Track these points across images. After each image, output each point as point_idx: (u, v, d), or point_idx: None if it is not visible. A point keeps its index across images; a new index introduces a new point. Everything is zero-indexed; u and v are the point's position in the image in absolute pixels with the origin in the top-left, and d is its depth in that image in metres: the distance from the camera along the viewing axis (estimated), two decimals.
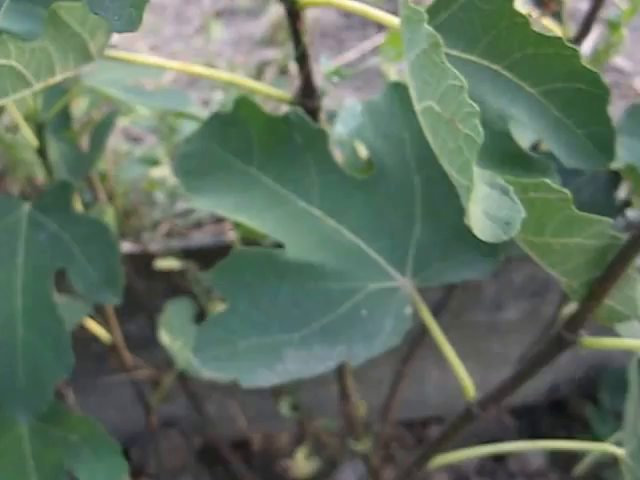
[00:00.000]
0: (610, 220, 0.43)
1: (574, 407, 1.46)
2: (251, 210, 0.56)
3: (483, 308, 1.25)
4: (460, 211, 0.34)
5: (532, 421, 1.49)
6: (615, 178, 0.73)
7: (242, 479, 1.11)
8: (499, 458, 1.44)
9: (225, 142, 0.56)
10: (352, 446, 0.91)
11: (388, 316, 0.52)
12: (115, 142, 1.25)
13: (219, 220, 1.15)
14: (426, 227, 0.58)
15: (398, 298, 0.54)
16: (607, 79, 0.44)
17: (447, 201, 0.57)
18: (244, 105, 0.56)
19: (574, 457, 1.41)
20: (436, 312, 0.92)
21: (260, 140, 0.56)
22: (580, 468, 0.88)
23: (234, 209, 0.56)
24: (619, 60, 1.64)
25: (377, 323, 0.51)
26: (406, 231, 0.58)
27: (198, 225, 1.13)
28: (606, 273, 0.44)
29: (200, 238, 1.11)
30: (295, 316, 0.52)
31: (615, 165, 0.63)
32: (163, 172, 1.06)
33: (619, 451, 0.61)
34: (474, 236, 0.34)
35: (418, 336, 0.98)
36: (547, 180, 0.39)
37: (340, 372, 0.88)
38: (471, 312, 1.25)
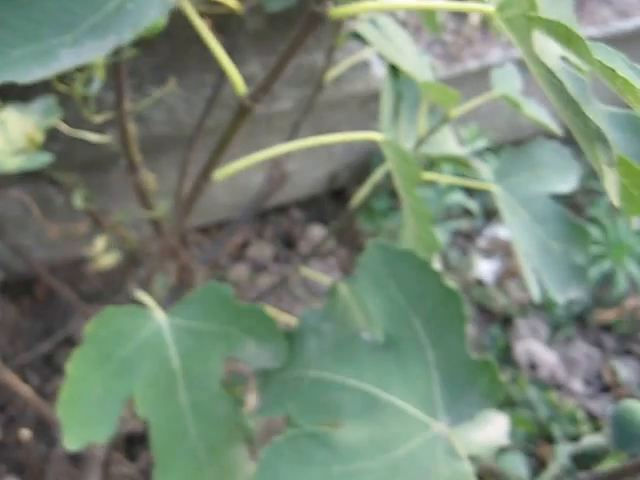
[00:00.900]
0: None
1: (352, 192, 1.59)
2: None
3: None
4: None
5: (317, 210, 1.60)
6: None
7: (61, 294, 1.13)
8: (291, 246, 1.55)
9: None
10: (145, 215, 0.95)
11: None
12: None
13: None
14: None
15: None
16: None
17: None
18: None
19: (358, 234, 1.55)
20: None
21: None
22: (356, 200, 0.98)
23: None
24: None
25: (143, 12, 0.54)
26: None
27: None
28: None
29: None
30: (65, 21, 0.54)
31: None
32: None
33: (378, 136, 0.70)
34: None
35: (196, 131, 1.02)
36: None
37: (125, 143, 0.91)
38: None
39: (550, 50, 0.49)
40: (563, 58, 0.51)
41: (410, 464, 0.58)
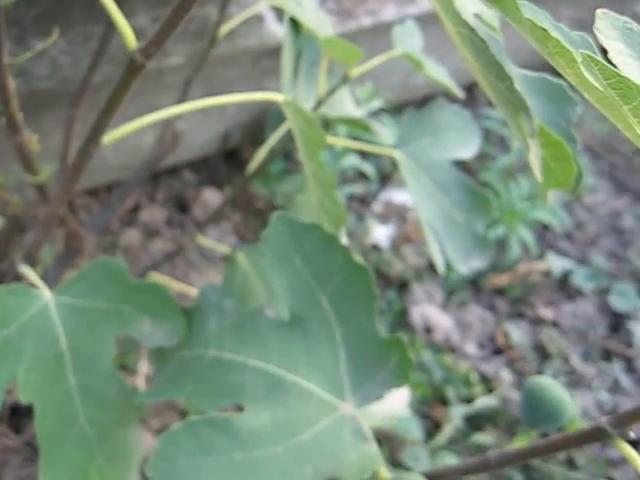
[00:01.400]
0: None
1: (245, 153, 1.54)
2: None
3: None
4: None
5: (210, 172, 1.55)
6: None
7: None
8: (184, 209, 1.49)
9: None
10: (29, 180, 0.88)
11: None
12: None
13: None
14: None
15: None
16: None
17: None
18: None
19: (253, 199, 1.51)
20: None
21: None
22: (252, 165, 0.94)
23: None
24: None
25: None
26: None
27: None
28: None
29: None
30: None
31: None
32: None
33: (279, 97, 0.66)
34: None
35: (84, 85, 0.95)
36: None
37: (4, 100, 0.83)
38: None
39: (464, 7, 0.46)
40: (476, 16, 0.48)
41: (316, 448, 0.56)
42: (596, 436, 0.51)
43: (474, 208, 0.89)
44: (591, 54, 0.33)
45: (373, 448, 0.57)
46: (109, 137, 0.65)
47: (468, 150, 0.90)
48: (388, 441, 1.34)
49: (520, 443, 0.58)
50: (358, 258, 0.57)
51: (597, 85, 0.35)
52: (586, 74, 0.35)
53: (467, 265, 0.88)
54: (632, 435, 0.50)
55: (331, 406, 0.58)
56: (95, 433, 0.64)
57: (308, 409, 0.57)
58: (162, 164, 1.40)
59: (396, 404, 0.84)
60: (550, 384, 0.58)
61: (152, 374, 0.65)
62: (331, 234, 0.57)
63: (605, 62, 0.33)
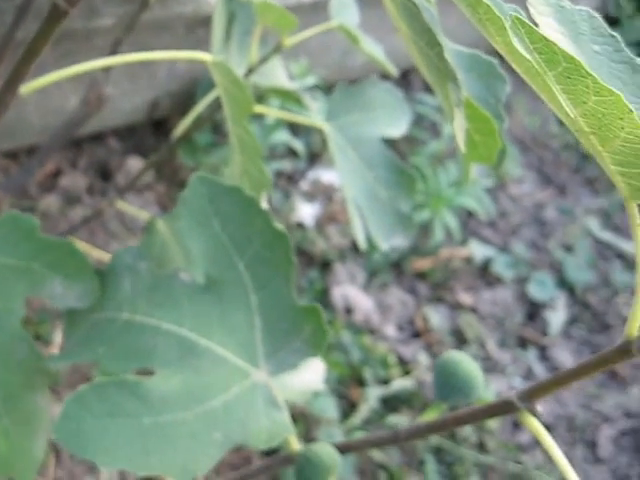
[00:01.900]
0: None
1: (174, 123, 1.51)
2: None
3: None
4: None
5: (136, 141, 1.51)
6: None
7: None
8: (107, 177, 1.46)
9: None
10: None
11: None
12: None
13: None
14: None
15: None
16: None
17: None
18: None
19: (178, 169, 1.48)
20: None
21: None
22: (178, 131, 0.92)
23: None
24: None
25: None
26: None
27: None
28: None
29: None
30: None
31: None
32: None
33: (207, 57, 0.64)
34: None
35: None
36: None
37: None
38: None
39: None
40: None
41: (227, 415, 0.55)
42: (504, 409, 0.51)
43: (399, 186, 0.89)
44: (520, 17, 0.33)
45: (284, 416, 0.57)
46: (28, 87, 0.62)
47: (397, 128, 0.90)
48: (304, 419, 1.34)
49: (430, 416, 0.58)
50: (278, 225, 0.56)
51: (524, 52, 0.35)
52: (514, 40, 0.35)
53: (388, 242, 0.88)
54: (539, 409, 0.51)
55: (244, 373, 0.57)
56: (2, 395, 0.62)
57: (220, 375, 0.56)
58: (86, 130, 1.36)
59: (311, 378, 0.84)
60: (462, 359, 0.59)
61: (63, 337, 0.63)
62: (251, 197, 0.55)
63: (533, 26, 0.33)
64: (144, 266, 0.61)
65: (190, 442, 0.53)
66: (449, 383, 0.58)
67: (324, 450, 0.58)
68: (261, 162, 0.64)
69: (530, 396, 0.51)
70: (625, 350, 0.45)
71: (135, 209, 1.10)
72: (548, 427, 0.59)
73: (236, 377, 0.56)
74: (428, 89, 1.74)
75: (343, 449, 0.61)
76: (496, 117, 0.54)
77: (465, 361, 0.59)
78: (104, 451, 0.51)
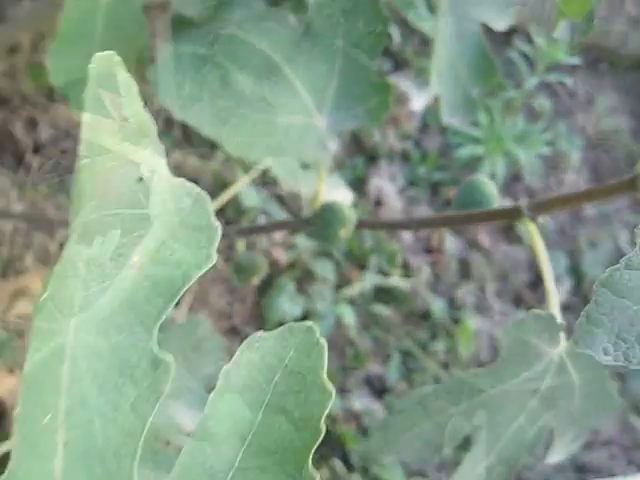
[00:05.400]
0: None
1: None
2: None
3: None
4: None
5: None
6: None
7: None
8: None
9: None
10: None
11: None
12: None
13: None
14: None
15: None
16: None
17: None
18: None
19: None
20: None
21: None
22: None
23: None
24: None
25: None
26: None
27: None
28: None
29: None
30: None
31: None
32: None
33: None
34: None
35: None
36: None
37: None
38: None
39: None
40: None
41: (287, 135, 0.63)
42: (512, 214, 0.59)
43: (480, 72, 0.95)
44: None
45: (328, 157, 0.65)
46: None
47: (502, 20, 0.96)
48: (303, 269, 1.42)
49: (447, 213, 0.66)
50: None
51: None
52: None
53: (450, 118, 0.94)
54: (540, 220, 0.58)
55: (308, 112, 0.64)
56: None
57: (289, 104, 0.64)
58: None
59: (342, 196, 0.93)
60: (490, 183, 0.66)
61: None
62: None
63: None
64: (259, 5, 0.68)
65: None
66: (469, 195, 0.65)
67: (345, 206, 0.66)
68: None
69: (537, 208, 0.58)
70: (631, 184, 0.53)
71: None
72: None
73: (301, 112, 0.64)
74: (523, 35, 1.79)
75: (358, 225, 0.69)
76: None
77: (491, 185, 0.66)
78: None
